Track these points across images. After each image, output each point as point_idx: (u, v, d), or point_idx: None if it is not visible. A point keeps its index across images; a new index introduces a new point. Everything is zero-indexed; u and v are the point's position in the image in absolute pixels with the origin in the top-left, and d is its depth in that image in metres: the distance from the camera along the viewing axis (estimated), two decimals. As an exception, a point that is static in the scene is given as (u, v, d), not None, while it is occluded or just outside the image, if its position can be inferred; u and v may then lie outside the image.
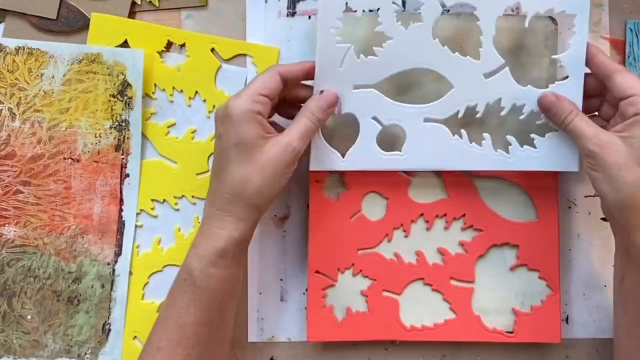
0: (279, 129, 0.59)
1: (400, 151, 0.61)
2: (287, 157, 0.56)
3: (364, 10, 0.59)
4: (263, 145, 0.55)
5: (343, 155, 0.61)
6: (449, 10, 0.61)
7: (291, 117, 0.59)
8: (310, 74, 0.59)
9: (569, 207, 0.65)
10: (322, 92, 0.59)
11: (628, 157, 0.53)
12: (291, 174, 0.57)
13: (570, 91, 0.58)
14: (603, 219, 0.64)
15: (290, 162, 0.56)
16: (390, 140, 0.62)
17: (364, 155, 0.61)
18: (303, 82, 0.60)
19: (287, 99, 0.60)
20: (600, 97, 0.60)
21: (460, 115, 0.60)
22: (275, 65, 0.59)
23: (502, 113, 0.60)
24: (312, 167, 0.61)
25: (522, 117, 0.60)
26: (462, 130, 0.61)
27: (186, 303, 0.56)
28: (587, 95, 0.59)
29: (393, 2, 0.58)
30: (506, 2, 0.59)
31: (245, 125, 0.55)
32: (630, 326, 0.57)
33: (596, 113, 0.61)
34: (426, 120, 0.60)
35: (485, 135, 0.61)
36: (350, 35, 0.61)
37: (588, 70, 0.59)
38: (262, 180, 0.55)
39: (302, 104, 0.59)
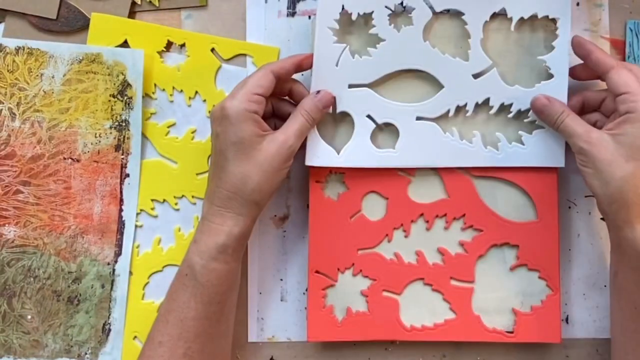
0: (272, 125, 0.61)
1: (394, 148, 0.62)
2: (284, 154, 0.57)
3: (359, 13, 0.61)
4: (260, 143, 0.57)
5: (338, 152, 0.62)
6: (448, 11, 0.61)
7: (283, 111, 0.62)
8: (301, 67, 0.61)
9: (569, 207, 0.65)
10: (318, 92, 0.60)
11: (617, 154, 0.55)
12: (287, 169, 0.59)
13: (555, 90, 0.61)
14: (603, 218, 0.64)
15: (286, 159, 0.58)
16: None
17: (359, 152, 0.62)
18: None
19: (278, 93, 0.61)
20: (604, 92, 0.61)
21: (451, 114, 0.62)
22: (268, 64, 0.60)
23: (491, 112, 0.62)
24: (307, 162, 0.62)
25: (510, 115, 0.62)
26: (454, 128, 0.62)
27: (187, 298, 0.57)
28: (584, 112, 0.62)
29: (386, 7, 0.61)
30: (492, 8, 0.61)
31: (242, 124, 0.56)
32: (624, 321, 0.58)
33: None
34: (418, 118, 0.62)
35: (475, 132, 0.62)
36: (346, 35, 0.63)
37: (581, 62, 0.61)
38: (261, 177, 0.57)
39: (289, 97, 0.62)
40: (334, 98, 0.61)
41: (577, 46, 0.60)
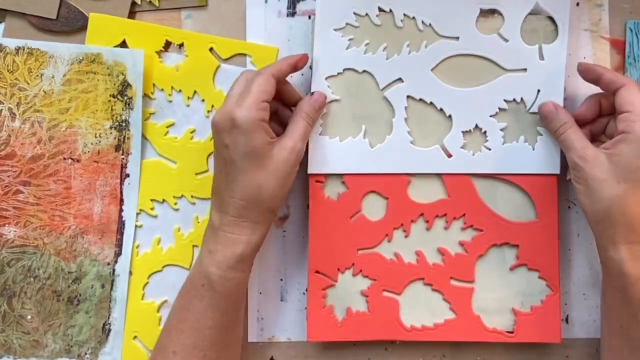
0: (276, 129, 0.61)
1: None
2: (293, 159, 0.58)
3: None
4: (271, 151, 0.57)
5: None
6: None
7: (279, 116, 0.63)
8: (296, 67, 0.61)
9: (569, 207, 0.65)
10: (312, 94, 0.61)
11: (609, 173, 0.55)
12: (295, 173, 0.59)
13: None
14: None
15: (295, 163, 0.58)
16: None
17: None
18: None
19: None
20: (608, 116, 0.61)
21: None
22: (267, 67, 0.59)
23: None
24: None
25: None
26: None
27: (203, 308, 0.57)
28: (600, 115, 0.61)
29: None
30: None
31: (253, 134, 0.56)
32: (611, 339, 0.59)
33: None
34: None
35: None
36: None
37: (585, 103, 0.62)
38: (275, 184, 0.57)
39: (281, 98, 0.62)
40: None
41: (586, 71, 0.59)
